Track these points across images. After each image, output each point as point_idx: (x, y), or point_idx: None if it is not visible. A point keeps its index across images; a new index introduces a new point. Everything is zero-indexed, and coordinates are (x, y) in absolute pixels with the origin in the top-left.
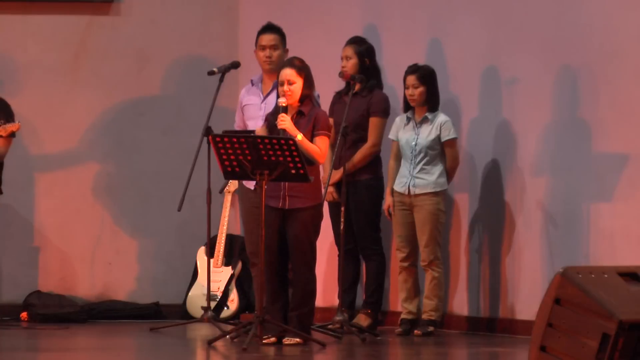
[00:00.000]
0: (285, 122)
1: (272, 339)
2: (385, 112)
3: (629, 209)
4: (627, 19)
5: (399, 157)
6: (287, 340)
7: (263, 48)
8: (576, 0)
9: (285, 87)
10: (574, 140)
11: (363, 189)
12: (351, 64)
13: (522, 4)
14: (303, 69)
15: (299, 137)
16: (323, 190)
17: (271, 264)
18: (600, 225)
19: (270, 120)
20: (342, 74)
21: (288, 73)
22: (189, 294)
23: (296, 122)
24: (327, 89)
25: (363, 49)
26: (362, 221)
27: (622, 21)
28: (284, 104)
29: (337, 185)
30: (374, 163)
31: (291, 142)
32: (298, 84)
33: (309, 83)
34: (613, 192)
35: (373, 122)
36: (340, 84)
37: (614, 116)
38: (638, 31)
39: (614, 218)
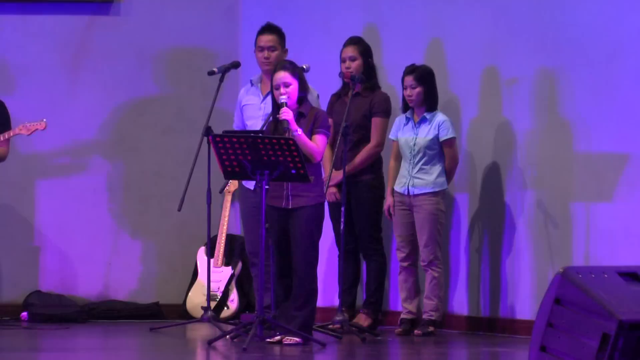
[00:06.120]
0: (289, 113)
1: (277, 338)
2: (387, 112)
3: (629, 208)
4: (627, 18)
5: (399, 157)
6: (287, 340)
7: (261, 49)
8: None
9: (282, 90)
10: (573, 140)
11: (364, 189)
12: (356, 65)
13: (522, 3)
14: (296, 70)
15: (299, 131)
16: (324, 189)
17: (282, 264)
18: (599, 225)
19: (273, 119)
20: (342, 74)
21: (282, 76)
22: (189, 294)
23: (297, 123)
24: (327, 89)
25: (365, 49)
26: (363, 221)
27: (622, 21)
28: (284, 100)
29: (339, 185)
30: (375, 163)
31: (291, 142)
32: (294, 85)
33: (303, 84)
34: (612, 192)
35: (376, 122)
36: (339, 85)
37: (614, 116)
38: (637, 31)
39: (613, 218)
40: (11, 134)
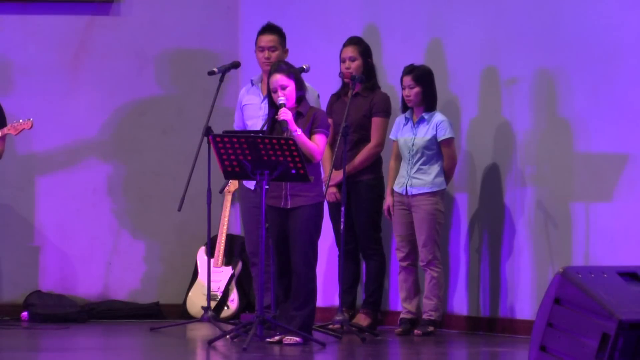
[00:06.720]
0: (287, 113)
1: (277, 338)
2: (387, 111)
3: (629, 209)
4: (626, 19)
5: (399, 157)
6: (287, 340)
7: (262, 49)
8: (576, 0)
9: (280, 93)
10: (573, 139)
11: (364, 189)
12: (356, 65)
13: (522, 3)
14: (292, 71)
15: (298, 131)
16: (324, 189)
17: (281, 264)
18: (599, 225)
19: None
20: (342, 74)
21: (279, 78)
22: (189, 294)
23: (295, 123)
24: (327, 89)
25: (365, 49)
26: (363, 221)
27: (621, 21)
28: (283, 102)
29: (339, 185)
30: (375, 163)
31: (291, 142)
32: (291, 87)
33: (300, 84)
34: (612, 192)
35: (376, 122)
36: (338, 85)
37: (614, 116)
38: (637, 31)
39: (613, 218)
40: None
